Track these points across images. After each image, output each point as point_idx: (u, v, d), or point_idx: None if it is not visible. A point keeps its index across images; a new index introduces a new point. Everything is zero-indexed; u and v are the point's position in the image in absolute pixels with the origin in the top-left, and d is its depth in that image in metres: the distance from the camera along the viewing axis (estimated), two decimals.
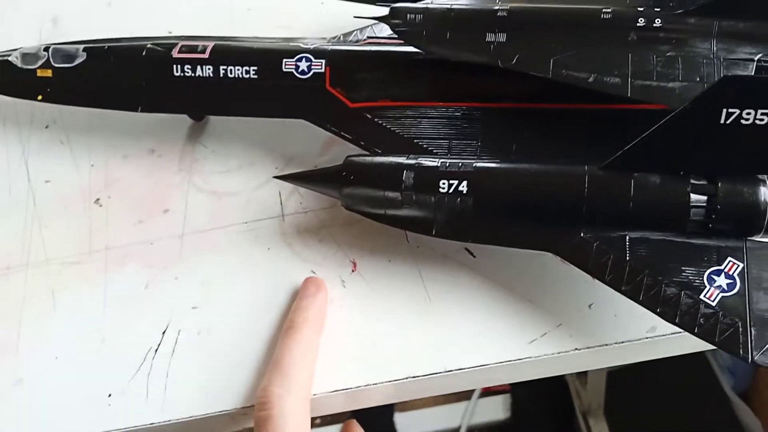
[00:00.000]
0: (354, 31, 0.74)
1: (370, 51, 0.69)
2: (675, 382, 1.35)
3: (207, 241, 0.70)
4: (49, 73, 0.74)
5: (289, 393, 0.56)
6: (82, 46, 0.73)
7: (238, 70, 0.69)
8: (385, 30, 0.71)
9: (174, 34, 0.86)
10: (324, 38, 0.73)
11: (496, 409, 1.56)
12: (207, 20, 0.88)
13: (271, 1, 0.89)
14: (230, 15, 0.89)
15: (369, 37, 0.71)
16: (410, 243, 0.66)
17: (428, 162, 0.60)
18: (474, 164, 0.58)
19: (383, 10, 0.67)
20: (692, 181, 0.54)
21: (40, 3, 0.92)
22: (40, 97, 0.75)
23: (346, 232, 0.68)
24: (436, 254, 0.65)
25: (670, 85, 0.57)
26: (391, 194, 0.59)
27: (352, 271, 0.66)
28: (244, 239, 0.69)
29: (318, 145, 0.74)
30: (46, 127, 0.80)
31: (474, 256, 0.64)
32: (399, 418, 1.54)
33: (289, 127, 0.73)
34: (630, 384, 1.38)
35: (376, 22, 0.71)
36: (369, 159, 0.62)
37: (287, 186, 0.71)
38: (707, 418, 1.33)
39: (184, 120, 0.77)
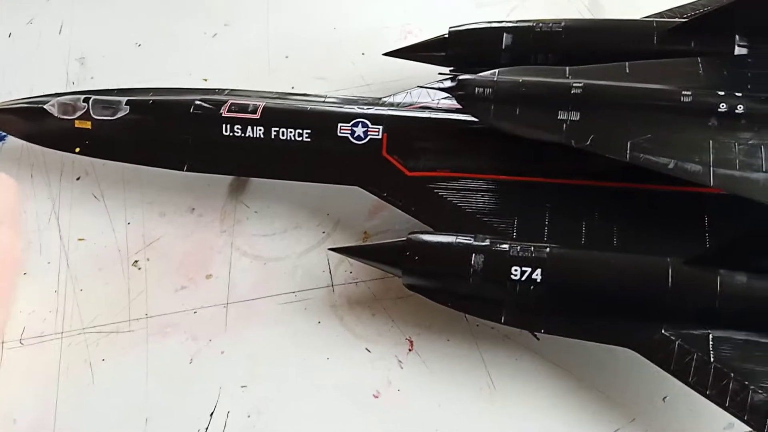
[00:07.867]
0: (404, 91, 0.71)
1: (430, 118, 0.66)
2: None
3: (253, 312, 0.66)
4: (88, 125, 0.71)
5: None
6: (125, 99, 0.70)
7: (291, 132, 0.67)
8: (439, 93, 0.69)
9: (209, 80, 0.84)
10: (376, 98, 0.70)
11: None
12: (243, 67, 0.85)
13: (309, 50, 0.87)
14: (267, 62, 0.86)
15: (422, 103, 0.68)
16: (469, 321, 0.64)
17: (498, 245, 0.57)
18: (547, 250, 0.56)
19: (447, 81, 0.64)
20: None
21: (66, 42, 0.89)
22: (77, 150, 0.72)
23: (400, 306, 0.65)
24: (498, 334, 0.63)
25: (754, 176, 0.55)
26: (458, 278, 0.57)
27: (409, 350, 0.63)
28: (292, 311, 0.66)
29: (365, 208, 0.72)
30: (78, 179, 0.76)
31: (537, 339, 0.62)
32: None
33: (334, 188, 0.70)
34: None
35: (427, 84, 0.69)
36: (434, 238, 0.59)
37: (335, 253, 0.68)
38: None
39: (223, 176, 0.74)
